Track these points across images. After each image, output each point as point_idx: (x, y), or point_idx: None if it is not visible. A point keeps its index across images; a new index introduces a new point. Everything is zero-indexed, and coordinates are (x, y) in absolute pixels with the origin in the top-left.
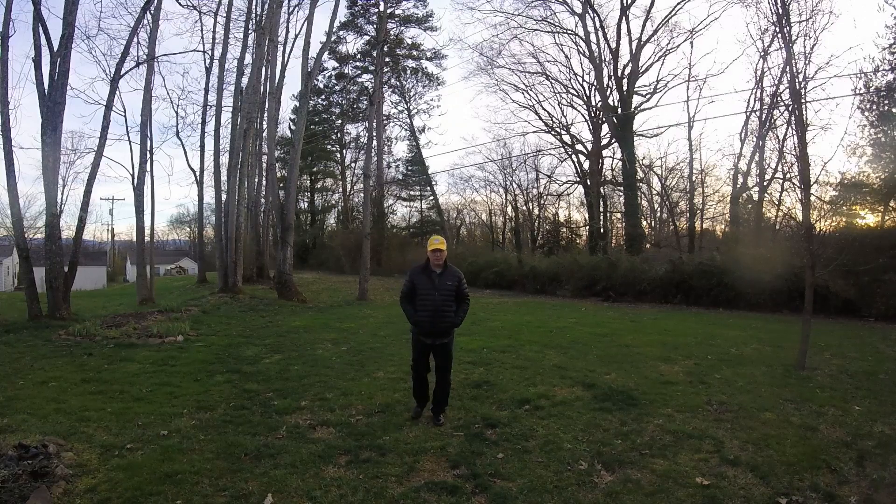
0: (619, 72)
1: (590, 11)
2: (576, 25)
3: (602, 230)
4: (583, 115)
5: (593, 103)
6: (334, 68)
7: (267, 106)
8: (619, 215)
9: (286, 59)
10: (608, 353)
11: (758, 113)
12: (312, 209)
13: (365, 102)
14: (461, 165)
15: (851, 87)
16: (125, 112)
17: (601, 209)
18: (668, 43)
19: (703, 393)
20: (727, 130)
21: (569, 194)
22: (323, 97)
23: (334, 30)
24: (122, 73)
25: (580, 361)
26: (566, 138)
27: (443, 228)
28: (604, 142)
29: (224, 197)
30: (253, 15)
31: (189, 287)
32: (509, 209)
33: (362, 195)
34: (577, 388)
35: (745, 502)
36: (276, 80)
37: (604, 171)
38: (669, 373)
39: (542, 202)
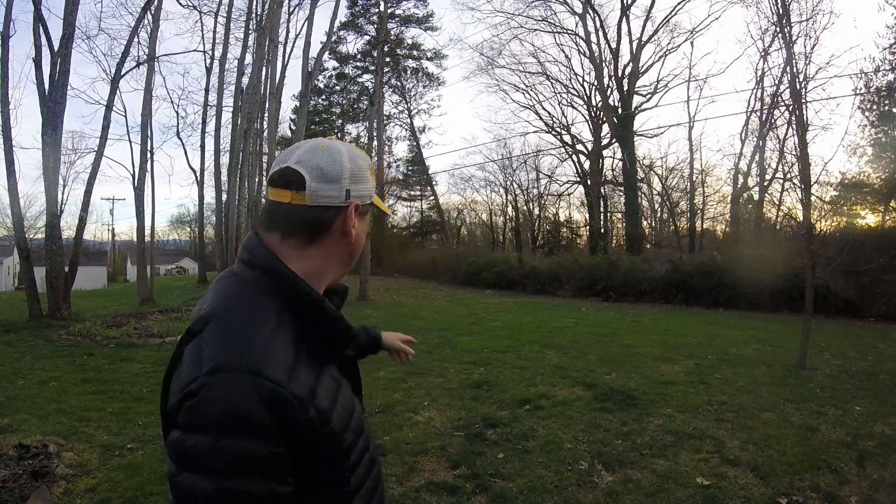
0: (620, 72)
1: (590, 11)
2: (576, 25)
3: (602, 230)
4: (583, 115)
5: (593, 103)
6: (335, 68)
7: (267, 106)
8: (619, 215)
9: (286, 59)
10: (608, 353)
11: (758, 113)
12: None
13: (365, 102)
14: (461, 165)
15: (852, 87)
16: (125, 112)
17: (601, 209)
18: (669, 43)
19: (704, 393)
20: (727, 130)
21: (569, 194)
22: (323, 97)
23: (335, 30)
24: (122, 73)
25: (580, 361)
26: (566, 138)
27: (443, 228)
28: (604, 142)
29: (224, 197)
30: (253, 15)
31: (190, 287)
32: (509, 209)
33: None
34: (577, 388)
35: (745, 502)
36: (277, 80)
37: (604, 171)
38: (670, 373)
39: (543, 202)
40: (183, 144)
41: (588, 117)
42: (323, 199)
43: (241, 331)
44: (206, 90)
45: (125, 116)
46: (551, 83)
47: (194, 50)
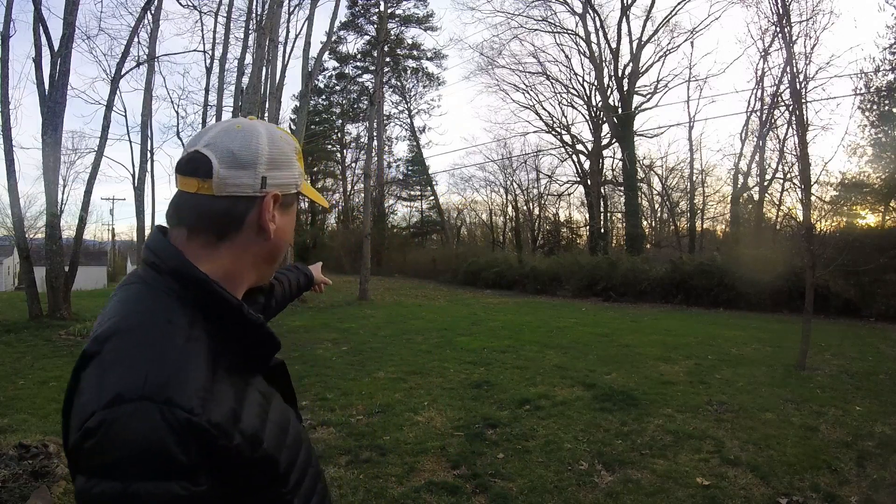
0: (620, 72)
1: (590, 11)
2: (576, 25)
3: (602, 230)
4: (583, 115)
5: (594, 103)
6: (335, 68)
7: (267, 106)
8: (619, 215)
9: (287, 59)
10: (608, 353)
11: (758, 113)
12: (313, 209)
13: (365, 102)
14: (461, 165)
15: (852, 87)
16: (126, 112)
17: (601, 209)
18: (669, 43)
19: (704, 393)
20: (727, 130)
21: (569, 194)
22: (323, 97)
23: (335, 30)
24: (122, 73)
25: (580, 361)
26: (566, 138)
27: (443, 228)
28: (604, 142)
29: None
30: (253, 15)
31: None
32: (510, 209)
33: (363, 195)
34: (577, 388)
35: (745, 502)
36: (277, 80)
37: (604, 171)
38: (670, 373)
39: (543, 202)
40: (183, 144)
41: (588, 117)
42: (232, 187)
43: (146, 350)
44: (206, 90)
45: (125, 116)
46: (551, 83)
47: (194, 50)
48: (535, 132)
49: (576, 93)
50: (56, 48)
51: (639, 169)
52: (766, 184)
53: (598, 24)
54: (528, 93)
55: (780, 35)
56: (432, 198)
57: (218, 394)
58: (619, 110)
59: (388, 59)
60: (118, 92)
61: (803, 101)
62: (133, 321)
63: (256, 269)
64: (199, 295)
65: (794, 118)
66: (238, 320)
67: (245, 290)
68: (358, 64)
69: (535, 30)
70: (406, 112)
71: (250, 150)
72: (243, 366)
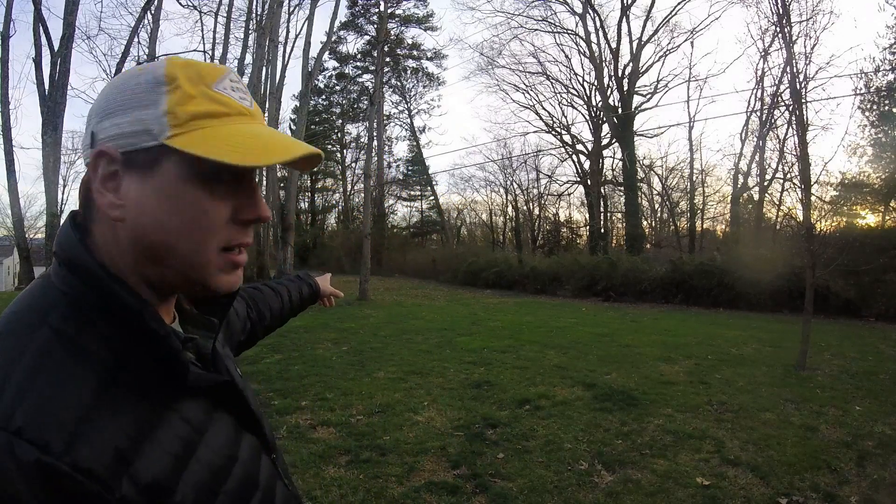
0: (620, 72)
1: (590, 11)
2: (576, 25)
3: (602, 230)
4: (583, 115)
5: (594, 103)
6: (335, 68)
7: (267, 106)
8: (619, 215)
9: (286, 59)
10: (608, 353)
11: (758, 113)
12: (313, 209)
13: (365, 102)
14: (461, 165)
15: (852, 87)
16: None
17: (601, 209)
18: (669, 43)
19: (704, 393)
20: (727, 130)
21: (569, 194)
22: (323, 97)
23: (335, 30)
24: None
25: (580, 361)
26: (566, 138)
27: (443, 228)
28: (604, 142)
29: None
30: (253, 15)
31: None
32: (510, 209)
33: (363, 195)
34: (577, 388)
35: (745, 502)
36: (277, 80)
37: (604, 171)
38: (670, 373)
39: (543, 202)
40: None
41: (588, 117)
42: (85, 157)
43: (6, 364)
44: None
45: None
46: (551, 83)
47: (194, 50)
48: (535, 132)
49: (576, 93)
50: (56, 48)
51: (639, 169)
52: (766, 184)
53: (598, 24)
54: (528, 93)
55: (780, 35)
56: (432, 198)
57: (99, 426)
58: (619, 110)
59: (388, 59)
60: None
61: (803, 101)
62: (4, 325)
63: (140, 269)
64: (97, 293)
65: (794, 118)
66: (137, 327)
67: (168, 295)
68: (358, 64)
69: (535, 30)
70: (406, 112)
71: (94, 105)
72: (160, 387)
